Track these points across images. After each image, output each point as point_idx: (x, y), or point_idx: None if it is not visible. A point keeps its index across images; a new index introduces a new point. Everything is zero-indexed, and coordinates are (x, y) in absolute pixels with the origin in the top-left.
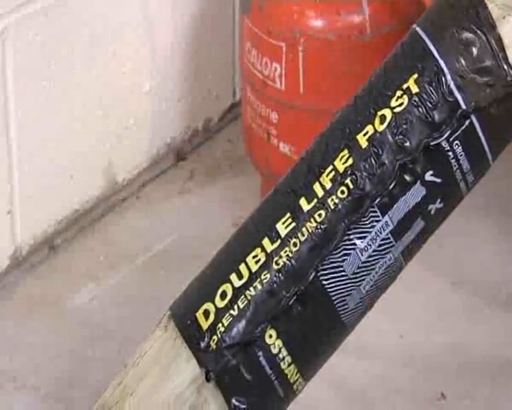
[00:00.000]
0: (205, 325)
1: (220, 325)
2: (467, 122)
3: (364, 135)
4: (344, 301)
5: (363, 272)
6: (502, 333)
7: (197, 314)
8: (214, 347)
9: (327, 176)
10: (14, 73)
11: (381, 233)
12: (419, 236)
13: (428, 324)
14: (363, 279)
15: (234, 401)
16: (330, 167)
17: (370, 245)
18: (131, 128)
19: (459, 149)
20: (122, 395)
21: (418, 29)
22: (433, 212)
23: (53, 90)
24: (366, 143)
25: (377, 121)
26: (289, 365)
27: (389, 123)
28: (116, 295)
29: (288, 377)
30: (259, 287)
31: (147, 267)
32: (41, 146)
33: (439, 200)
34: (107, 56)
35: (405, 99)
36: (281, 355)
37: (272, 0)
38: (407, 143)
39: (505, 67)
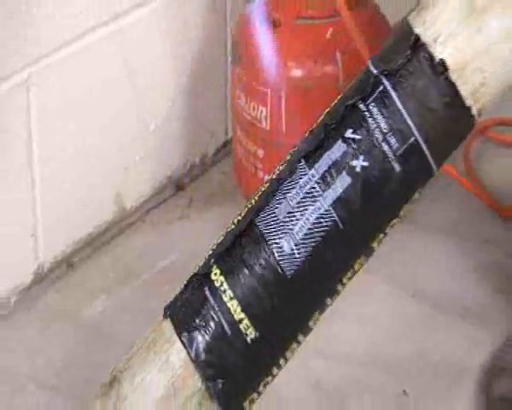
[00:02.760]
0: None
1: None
2: (380, 87)
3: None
4: (278, 243)
5: (294, 216)
6: (458, 340)
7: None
8: (178, 296)
9: (281, 166)
10: (38, 114)
11: (308, 183)
12: (349, 193)
13: (393, 332)
14: (295, 224)
15: (184, 335)
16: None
17: (299, 193)
18: (138, 162)
19: (375, 109)
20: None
21: None
22: (358, 169)
23: (72, 129)
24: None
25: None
26: (231, 299)
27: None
28: (125, 307)
29: (231, 311)
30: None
31: (152, 283)
32: (61, 178)
33: (362, 157)
34: (119, 100)
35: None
36: (222, 288)
37: (258, 52)
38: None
39: (411, 39)
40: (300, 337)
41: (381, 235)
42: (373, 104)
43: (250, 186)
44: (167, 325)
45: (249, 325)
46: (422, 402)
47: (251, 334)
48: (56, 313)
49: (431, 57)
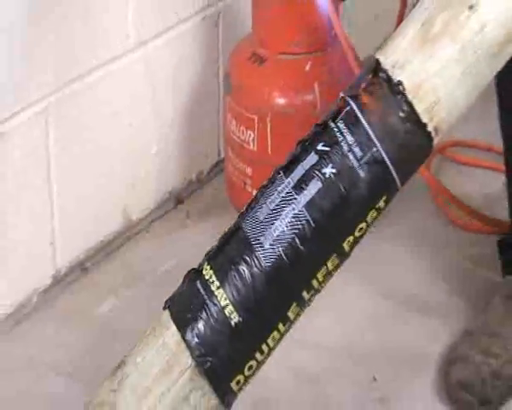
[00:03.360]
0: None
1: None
2: (348, 107)
3: None
4: (259, 240)
5: (272, 217)
6: (419, 332)
7: None
8: (177, 290)
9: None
10: (55, 139)
11: (284, 189)
12: (319, 197)
13: (365, 325)
14: (273, 223)
15: (177, 319)
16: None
17: (277, 198)
18: (143, 180)
19: (342, 126)
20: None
21: None
22: (327, 175)
23: (84, 152)
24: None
25: None
26: (218, 288)
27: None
28: (131, 306)
29: (218, 298)
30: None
31: (154, 284)
32: (75, 193)
33: (330, 165)
34: (124, 126)
35: None
36: (211, 280)
37: (247, 83)
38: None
39: (373, 65)
40: (280, 326)
41: (351, 237)
42: (341, 121)
43: (240, 199)
44: (166, 315)
45: (233, 310)
46: (390, 387)
47: (234, 318)
48: (72, 311)
49: (390, 79)
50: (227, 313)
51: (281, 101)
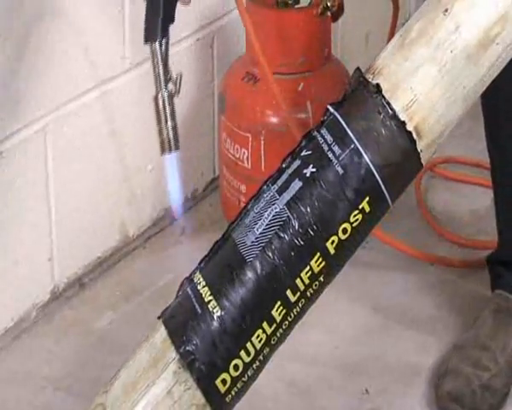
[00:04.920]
0: None
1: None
2: (331, 116)
3: None
4: (243, 240)
5: (256, 218)
6: (410, 345)
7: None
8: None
9: None
10: (53, 156)
11: (269, 194)
12: (300, 195)
13: (356, 338)
14: (256, 223)
15: (166, 319)
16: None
17: (262, 202)
18: (139, 197)
19: (324, 131)
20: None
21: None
22: (308, 175)
23: (81, 169)
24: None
25: None
26: (203, 286)
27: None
28: (129, 320)
29: (203, 295)
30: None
31: (151, 299)
32: (72, 210)
33: (311, 166)
34: (121, 146)
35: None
36: (199, 281)
37: (241, 102)
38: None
39: (354, 75)
40: (265, 325)
41: (335, 238)
42: (323, 129)
43: (234, 216)
44: (159, 322)
45: (216, 305)
46: (382, 399)
47: (217, 312)
48: (70, 325)
49: (368, 83)
50: (210, 308)
51: (274, 119)
